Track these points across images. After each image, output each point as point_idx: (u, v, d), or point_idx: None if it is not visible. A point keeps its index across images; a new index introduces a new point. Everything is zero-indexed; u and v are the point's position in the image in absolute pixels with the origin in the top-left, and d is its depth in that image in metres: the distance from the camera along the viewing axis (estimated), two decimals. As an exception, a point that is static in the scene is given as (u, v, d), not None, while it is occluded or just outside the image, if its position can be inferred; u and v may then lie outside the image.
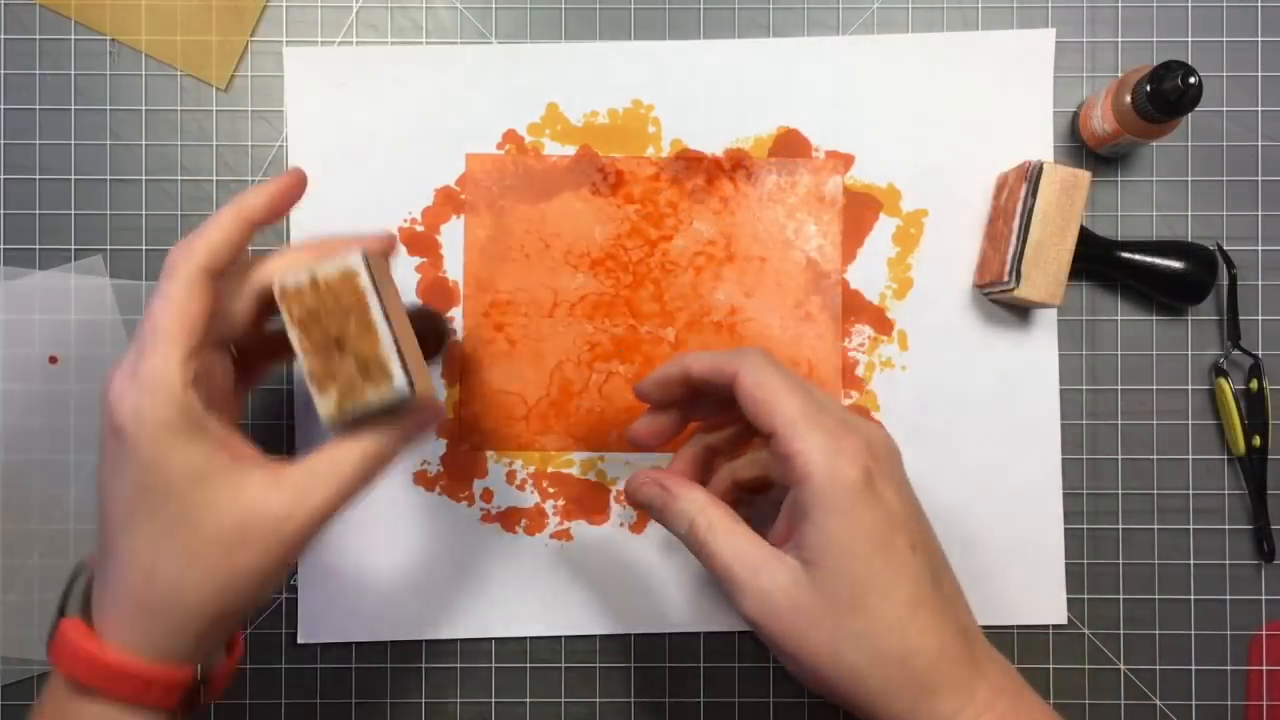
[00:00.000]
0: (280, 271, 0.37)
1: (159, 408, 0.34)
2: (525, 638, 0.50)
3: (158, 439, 0.34)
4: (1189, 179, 0.51)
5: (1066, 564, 0.50)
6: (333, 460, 0.36)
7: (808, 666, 0.36)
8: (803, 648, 0.35)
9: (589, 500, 0.50)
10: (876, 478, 0.36)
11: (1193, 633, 0.50)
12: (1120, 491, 0.50)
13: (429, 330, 0.48)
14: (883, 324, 0.51)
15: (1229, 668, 0.50)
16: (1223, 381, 0.50)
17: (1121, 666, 0.50)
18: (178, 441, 0.34)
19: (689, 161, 0.50)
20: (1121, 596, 0.50)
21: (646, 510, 0.41)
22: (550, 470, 0.50)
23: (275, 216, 0.38)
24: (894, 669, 0.35)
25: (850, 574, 0.35)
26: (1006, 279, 0.47)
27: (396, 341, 0.35)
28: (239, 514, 0.35)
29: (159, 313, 0.35)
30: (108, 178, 0.50)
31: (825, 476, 0.35)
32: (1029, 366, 0.50)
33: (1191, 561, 0.50)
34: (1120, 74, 0.50)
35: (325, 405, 0.36)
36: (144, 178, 0.51)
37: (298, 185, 0.39)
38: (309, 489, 0.36)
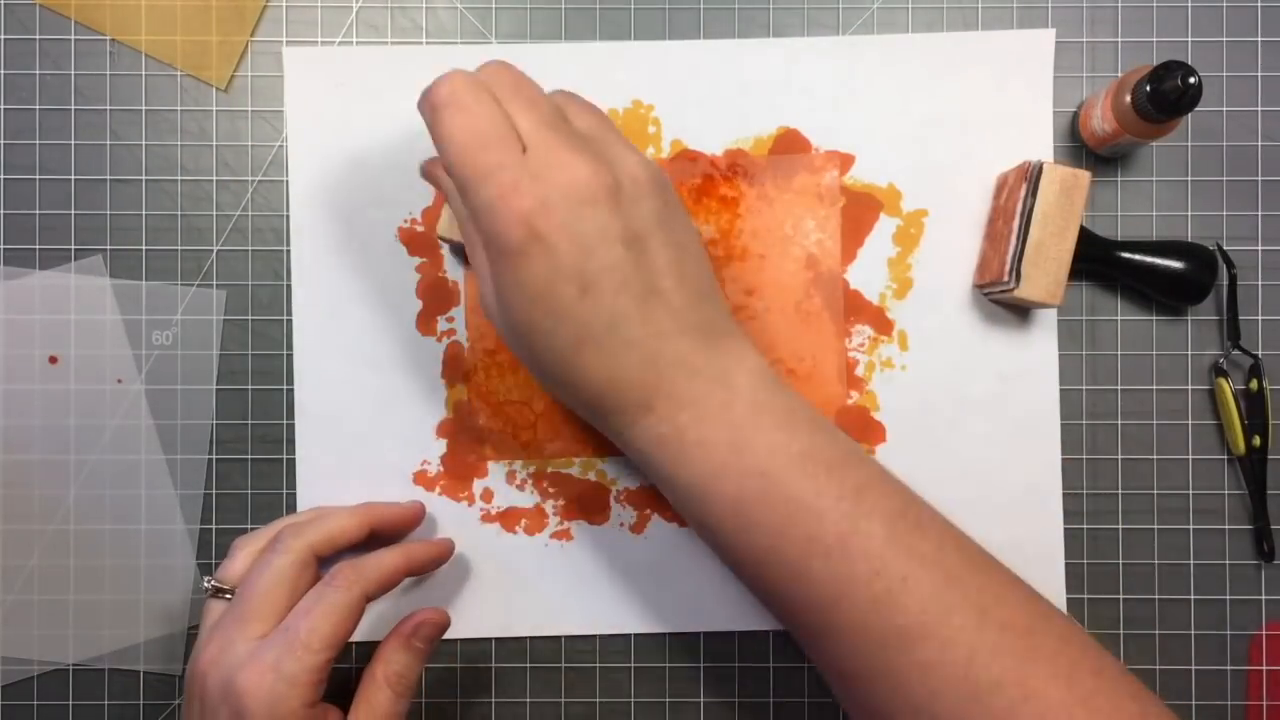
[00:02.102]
0: None
1: (294, 701, 0.39)
2: (525, 638, 0.50)
3: None
4: (1189, 179, 0.51)
5: (1066, 564, 0.50)
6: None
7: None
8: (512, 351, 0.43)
9: (589, 500, 0.50)
10: (545, 232, 0.37)
11: (1193, 633, 0.50)
12: (1120, 491, 0.50)
13: None
14: (883, 324, 0.51)
15: (1229, 668, 0.50)
16: (1223, 381, 0.50)
17: (1121, 666, 0.50)
18: None
19: (685, 162, 0.50)
20: (1121, 596, 0.50)
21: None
22: (550, 470, 0.50)
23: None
24: (568, 394, 0.40)
25: (518, 320, 0.39)
26: (1006, 279, 0.47)
27: None
28: None
29: (321, 618, 0.40)
30: (108, 178, 0.50)
31: (489, 241, 0.38)
32: (1029, 366, 0.50)
33: (1191, 561, 0.50)
34: (1120, 74, 0.50)
35: None
36: (144, 178, 0.51)
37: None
38: None
